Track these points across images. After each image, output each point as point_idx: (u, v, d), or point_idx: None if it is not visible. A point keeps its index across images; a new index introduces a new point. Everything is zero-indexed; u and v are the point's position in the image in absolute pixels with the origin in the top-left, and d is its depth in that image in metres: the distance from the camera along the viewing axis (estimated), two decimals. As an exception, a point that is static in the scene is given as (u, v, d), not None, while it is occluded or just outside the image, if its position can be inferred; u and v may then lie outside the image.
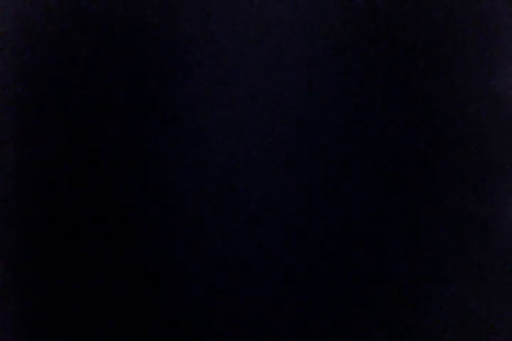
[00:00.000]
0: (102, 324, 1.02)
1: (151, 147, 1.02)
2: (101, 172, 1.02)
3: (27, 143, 1.04)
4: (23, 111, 1.04)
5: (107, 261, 1.02)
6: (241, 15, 1.02)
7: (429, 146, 1.01)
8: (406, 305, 1.01)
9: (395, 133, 1.01)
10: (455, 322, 1.01)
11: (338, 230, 1.01)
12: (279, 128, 1.01)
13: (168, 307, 1.01)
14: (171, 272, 1.01)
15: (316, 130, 1.01)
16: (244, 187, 1.01)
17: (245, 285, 1.01)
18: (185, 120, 1.02)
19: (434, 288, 1.01)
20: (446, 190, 1.01)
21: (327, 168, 1.01)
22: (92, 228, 1.02)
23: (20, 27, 1.05)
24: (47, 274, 1.03)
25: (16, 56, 1.05)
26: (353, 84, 1.02)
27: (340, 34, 1.02)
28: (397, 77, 1.01)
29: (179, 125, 1.02)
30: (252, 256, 1.01)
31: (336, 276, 1.01)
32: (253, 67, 1.02)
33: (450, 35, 1.02)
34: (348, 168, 1.01)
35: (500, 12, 1.04)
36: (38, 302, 1.03)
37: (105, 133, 1.02)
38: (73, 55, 1.03)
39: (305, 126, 1.01)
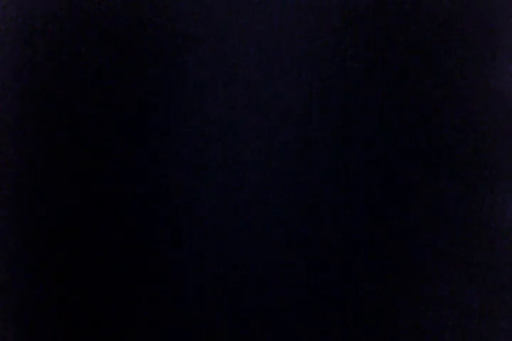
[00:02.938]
0: (102, 323, 1.02)
1: (150, 146, 1.02)
2: (101, 172, 1.02)
3: (27, 143, 1.04)
4: (23, 111, 1.04)
5: (106, 261, 1.02)
6: (241, 14, 1.02)
7: (429, 146, 1.02)
8: (406, 305, 1.01)
9: (395, 133, 1.01)
10: (455, 322, 1.01)
11: (338, 231, 1.01)
12: (279, 128, 1.01)
13: (167, 308, 1.01)
14: (170, 272, 1.02)
15: (317, 130, 1.01)
16: (245, 187, 1.01)
17: (244, 285, 1.01)
18: (185, 119, 1.02)
19: (433, 288, 1.01)
20: (446, 189, 1.01)
21: (327, 168, 1.01)
22: (92, 228, 1.02)
23: (21, 26, 1.05)
24: (47, 274, 1.03)
25: (16, 56, 1.05)
26: (353, 85, 1.02)
27: (340, 34, 1.02)
28: (396, 77, 1.02)
29: (179, 124, 1.02)
30: (251, 256, 1.01)
31: (335, 276, 1.01)
32: (253, 66, 1.02)
33: (450, 34, 1.02)
34: (347, 168, 1.01)
35: (500, 12, 1.04)
36: (38, 301, 1.03)
37: (105, 133, 1.02)
38: (73, 55, 1.03)
39: (305, 126, 1.01)
